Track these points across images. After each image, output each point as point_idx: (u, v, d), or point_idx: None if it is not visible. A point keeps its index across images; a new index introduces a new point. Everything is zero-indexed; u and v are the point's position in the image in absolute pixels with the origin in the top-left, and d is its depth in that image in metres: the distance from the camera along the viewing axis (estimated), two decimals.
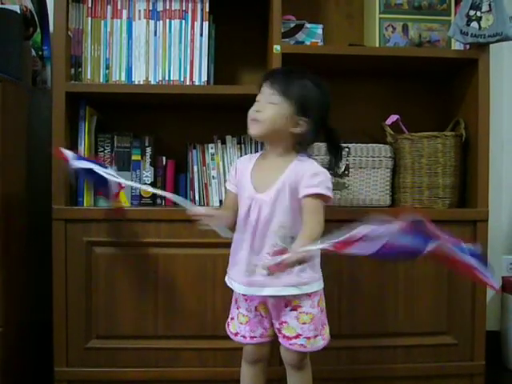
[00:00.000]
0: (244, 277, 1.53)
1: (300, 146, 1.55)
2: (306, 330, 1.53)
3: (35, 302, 2.02)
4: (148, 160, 2.02)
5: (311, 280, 1.53)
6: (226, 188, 1.69)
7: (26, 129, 1.95)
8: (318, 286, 1.56)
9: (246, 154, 2.03)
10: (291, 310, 1.53)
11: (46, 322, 1.91)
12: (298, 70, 1.56)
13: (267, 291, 1.51)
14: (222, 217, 1.58)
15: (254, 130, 1.51)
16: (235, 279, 1.56)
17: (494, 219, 2.03)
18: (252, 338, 1.59)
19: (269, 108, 1.48)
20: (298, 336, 1.53)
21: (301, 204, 1.48)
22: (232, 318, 1.63)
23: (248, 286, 1.53)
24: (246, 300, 1.57)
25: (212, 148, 2.06)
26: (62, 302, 1.87)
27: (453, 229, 1.89)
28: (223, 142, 2.07)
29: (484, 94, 1.96)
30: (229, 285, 1.59)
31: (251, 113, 1.50)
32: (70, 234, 1.86)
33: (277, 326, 1.56)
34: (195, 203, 2.06)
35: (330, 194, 1.48)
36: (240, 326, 1.59)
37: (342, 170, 1.98)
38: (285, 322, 1.54)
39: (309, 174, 1.47)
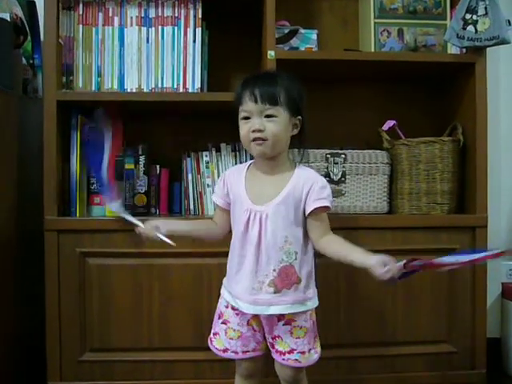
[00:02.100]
0: (249, 295, 1.47)
1: (298, 147, 1.52)
2: (300, 344, 1.49)
3: (27, 315, 1.97)
4: (141, 169, 1.98)
5: (314, 295, 1.51)
6: (213, 202, 1.64)
7: (17, 138, 1.91)
8: (317, 299, 1.53)
9: (241, 161, 2.01)
10: (284, 324, 1.48)
11: (39, 335, 1.88)
12: (270, 73, 1.55)
13: (274, 310, 1.46)
14: (157, 227, 1.53)
15: (262, 150, 1.43)
16: (240, 298, 1.49)
17: (493, 225, 1.99)
18: (244, 352, 1.53)
19: (270, 124, 1.42)
20: (291, 351, 1.49)
21: (304, 216, 1.47)
22: (216, 334, 1.57)
23: (253, 304, 1.47)
24: (238, 315, 1.52)
25: (206, 156, 2.04)
26: (55, 314, 1.84)
27: (451, 235, 1.92)
28: (218, 150, 2.04)
29: (481, 98, 1.94)
30: (233, 304, 1.51)
31: (251, 134, 1.43)
32: (62, 245, 1.84)
33: (270, 340, 1.52)
34: (190, 212, 2.04)
35: (332, 206, 1.50)
36: (230, 342, 1.53)
37: (339, 176, 1.96)
38: (278, 337, 1.50)
39: (318, 186, 1.45)
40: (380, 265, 1.31)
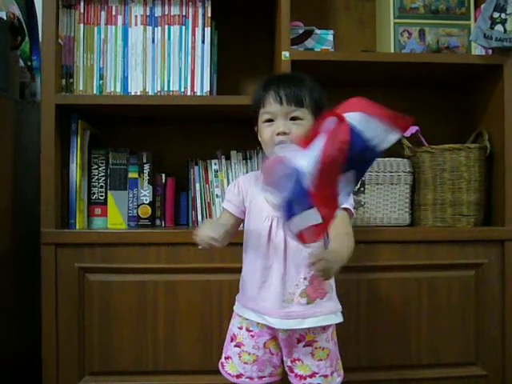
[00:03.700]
0: (280, 309, 1.35)
1: None
2: (322, 367, 1.37)
3: (22, 335, 1.87)
4: (146, 178, 1.89)
5: (340, 306, 1.41)
6: (223, 208, 1.50)
7: (14, 145, 1.81)
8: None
9: (252, 170, 1.90)
10: (305, 346, 1.37)
11: (34, 357, 1.76)
12: (293, 74, 1.47)
13: (309, 322, 1.35)
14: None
15: None
16: (269, 313, 1.36)
17: None
18: (260, 378, 1.41)
19: (295, 127, 1.34)
20: (313, 375, 1.37)
21: None
22: (228, 358, 1.44)
23: (285, 318, 1.35)
24: (253, 336, 1.40)
25: (215, 164, 1.93)
26: (53, 335, 1.72)
27: (478, 249, 1.82)
28: (227, 158, 1.94)
29: (510, 102, 1.82)
30: (259, 321, 1.37)
31: (276, 138, 1.34)
32: (60, 260, 1.72)
33: (288, 364, 1.40)
34: (197, 224, 1.93)
35: (353, 210, 1.40)
36: (245, 367, 1.40)
37: (358, 186, 1.84)
38: (298, 360, 1.38)
39: None
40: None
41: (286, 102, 1.34)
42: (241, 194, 1.46)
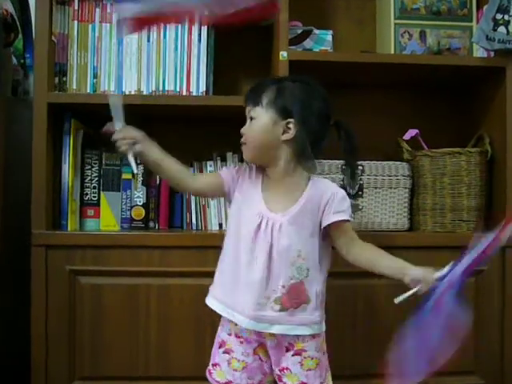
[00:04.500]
0: (252, 310, 1.31)
1: (301, 156, 1.36)
2: (311, 377, 1.34)
3: (11, 338, 1.84)
4: (140, 179, 1.86)
5: (322, 319, 1.37)
6: (220, 175, 1.47)
7: (5, 143, 1.78)
8: (324, 325, 1.39)
9: None
10: (294, 355, 1.34)
11: (23, 361, 1.73)
12: (275, 77, 1.49)
13: (277, 329, 1.32)
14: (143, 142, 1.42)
15: (244, 155, 1.41)
16: (240, 311, 1.34)
17: None
18: None
19: (249, 126, 1.37)
20: None
21: (320, 229, 1.35)
22: (216, 365, 1.40)
23: (255, 320, 1.32)
24: (242, 343, 1.36)
25: (211, 166, 1.91)
26: (42, 338, 1.69)
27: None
28: (223, 159, 1.91)
29: None
30: (229, 317, 1.37)
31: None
32: (51, 262, 1.69)
33: (277, 372, 1.37)
34: (192, 227, 1.89)
35: (352, 219, 1.41)
36: (234, 374, 1.37)
37: (356, 190, 1.80)
38: (286, 369, 1.34)
39: (338, 197, 1.36)
40: (414, 282, 1.29)
41: (247, 104, 1.39)
42: (238, 178, 1.43)
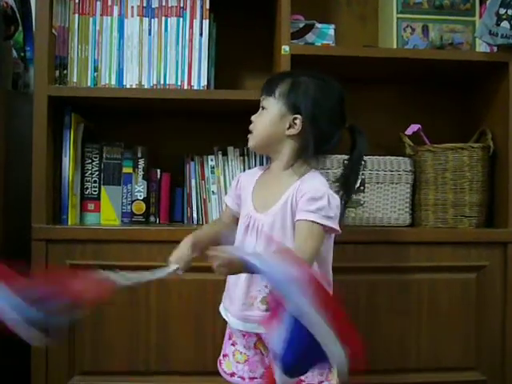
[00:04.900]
0: (240, 310, 1.33)
1: (303, 152, 1.33)
2: (309, 375, 1.31)
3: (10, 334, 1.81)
4: (141, 173, 1.85)
5: None
6: (229, 207, 1.48)
7: (5, 137, 1.77)
8: None
9: (249, 167, 1.86)
10: None
11: (23, 356, 1.70)
12: (294, 71, 1.44)
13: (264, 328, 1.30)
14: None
15: (249, 143, 1.39)
16: (231, 312, 1.36)
17: None
18: (251, 379, 1.37)
19: (259, 116, 1.36)
20: (299, 382, 1.31)
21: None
22: (225, 356, 1.42)
23: (243, 321, 1.33)
24: (244, 336, 1.37)
25: (212, 160, 1.88)
26: None
27: (481, 251, 1.77)
28: (224, 154, 1.89)
29: None
30: (224, 317, 1.40)
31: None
32: (51, 257, 1.68)
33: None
34: (192, 221, 1.89)
35: (328, 223, 1.24)
36: (237, 366, 1.38)
37: (357, 185, 1.79)
38: None
39: (307, 196, 1.25)
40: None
41: (262, 91, 1.37)
42: (238, 189, 1.44)
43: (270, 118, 1.33)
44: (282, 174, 1.35)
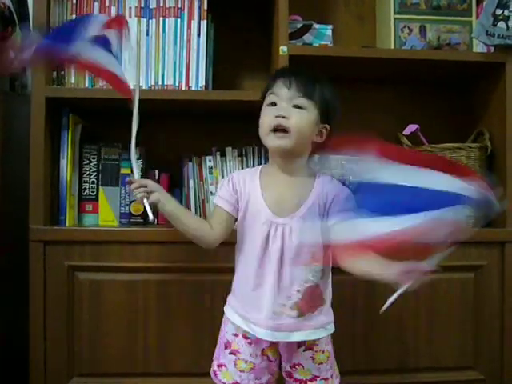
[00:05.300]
0: (269, 320, 1.30)
1: (317, 157, 1.39)
2: (323, 370, 1.34)
3: (8, 335, 1.82)
4: (139, 174, 1.80)
5: (332, 318, 1.37)
6: (215, 205, 1.44)
7: (2, 138, 1.76)
8: None
9: (248, 167, 1.85)
10: (305, 350, 1.33)
11: (22, 358, 1.70)
12: (311, 70, 1.38)
13: (297, 336, 1.31)
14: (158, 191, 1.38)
15: (282, 141, 1.29)
16: (258, 323, 1.31)
17: None
18: None
19: (296, 113, 1.28)
20: (313, 378, 1.33)
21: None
22: (221, 366, 1.38)
23: (274, 330, 1.30)
24: (251, 344, 1.34)
25: (210, 161, 1.87)
26: (40, 335, 1.67)
27: (479, 251, 1.77)
28: (222, 154, 1.88)
29: None
30: (246, 328, 1.34)
31: (274, 120, 1.28)
32: (49, 258, 1.67)
33: (287, 369, 1.36)
34: None
35: None
36: (241, 375, 1.34)
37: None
38: (298, 365, 1.34)
39: (344, 196, 1.32)
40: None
41: (293, 88, 1.29)
42: (236, 192, 1.38)
43: (310, 120, 1.30)
44: (296, 175, 1.34)
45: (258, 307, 1.31)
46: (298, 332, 1.30)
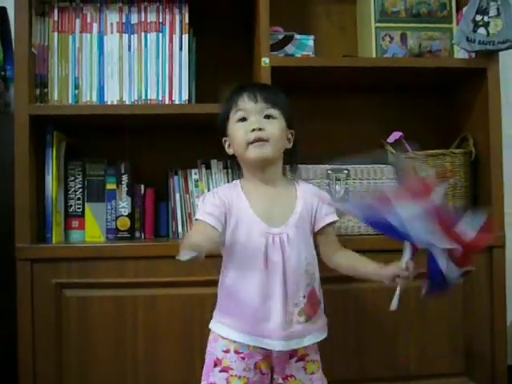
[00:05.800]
0: (282, 330, 1.28)
1: (290, 164, 1.46)
2: (314, 380, 1.35)
3: None
4: (124, 189, 1.83)
5: (326, 319, 1.40)
6: (197, 221, 1.35)
7: None
8: None
9: (233, 179, 1.83)
10: (297, 361, 1.33)
11: (10, 375, 1.69)
12: (263, 83, 1.49)
13: (307, 340, 1.32)
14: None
15: (263, 153, 1.31)
16: (271, 336, 1.29)
17: (511, 244, 1.82)
18: None
19: (269, 123, 1.33)
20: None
21: (314, 233, 1.39)
22: None
23: (288, 339, 1.29)
24: (244, 359, 1.31)
25: (195, 174, 1.88)
26: (29, 353, 1.65)
27: None
28: (208, 167, 1.89)
29: (494, 107, 1.79)
30: (252, 343, 1.30)
31: (251, 134, 1.31)
32: (36, 276, 1.66)
33: (279, 381, 1.34)
34: (178, 235, 1.88)
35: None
36: None
37: (341, 194, 1.79)
38: (290, 376, 1.33)
39: (327, 200, 1.40)
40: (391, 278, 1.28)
41: (260, 100, 1.33)
42: (222, 207, 1.34)
43: (282, 128, 1.35)
44: (278, 186, 1.38)
45: (269, 319, 1.29)
46: (308, 336, 1.32)
